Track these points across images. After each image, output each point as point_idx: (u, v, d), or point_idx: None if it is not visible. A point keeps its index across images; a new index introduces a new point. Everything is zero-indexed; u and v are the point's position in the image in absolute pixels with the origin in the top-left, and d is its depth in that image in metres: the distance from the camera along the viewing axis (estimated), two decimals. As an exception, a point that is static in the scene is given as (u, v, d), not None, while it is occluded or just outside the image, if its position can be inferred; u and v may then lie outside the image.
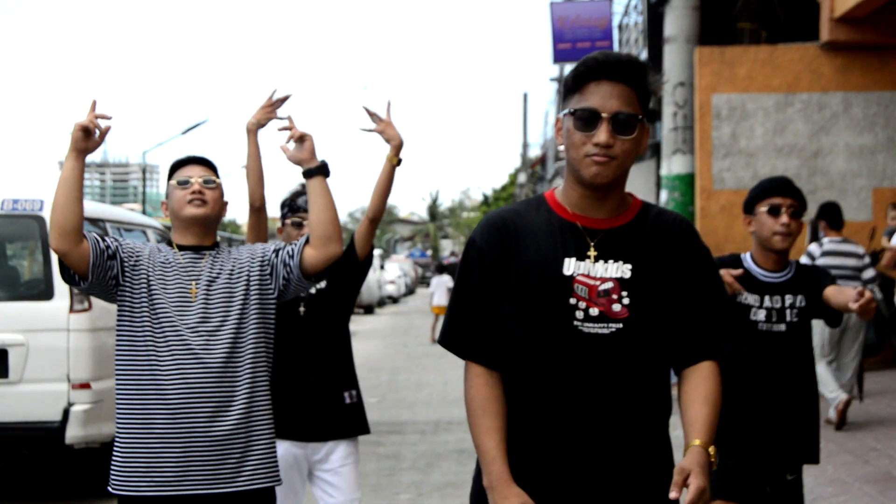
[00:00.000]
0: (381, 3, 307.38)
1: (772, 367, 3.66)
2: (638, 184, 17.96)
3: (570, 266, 2.36)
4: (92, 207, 7.48)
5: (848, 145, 11.73)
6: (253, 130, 4.13)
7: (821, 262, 8.05)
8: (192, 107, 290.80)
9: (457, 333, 2.44)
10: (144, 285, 3.32)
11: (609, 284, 2.36)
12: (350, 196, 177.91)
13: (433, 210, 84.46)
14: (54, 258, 6.53)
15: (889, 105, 11.71)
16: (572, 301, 2.34)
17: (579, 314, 2.34)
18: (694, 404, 2.41)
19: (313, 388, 4.03)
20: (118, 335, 3.36)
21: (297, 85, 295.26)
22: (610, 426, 2.35)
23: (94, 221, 7.04)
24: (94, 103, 3.31)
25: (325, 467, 4.11)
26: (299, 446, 4.08)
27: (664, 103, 12.43)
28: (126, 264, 3.32)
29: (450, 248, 78.93)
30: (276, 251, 3.41)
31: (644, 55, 15.30)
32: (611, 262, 2.38)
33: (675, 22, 12.12)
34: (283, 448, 3.97)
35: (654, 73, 2.42)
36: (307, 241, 3.34)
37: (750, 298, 3.69)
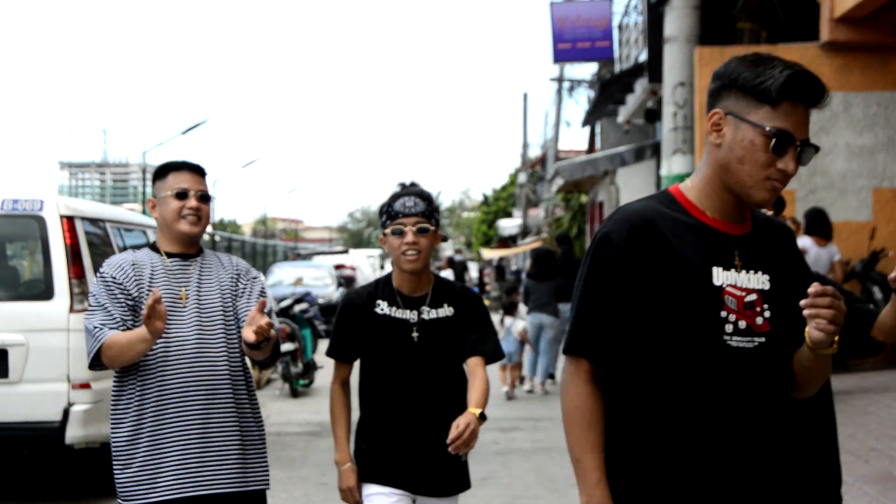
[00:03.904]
0: (381, 3, 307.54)
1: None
2: (638, 183, 17.95)
3: (719, 276, 2.22)
4: (92, 207, 7.48)
5: (848, 145, 11.72)
6: None
7: None
8: (192, 107, 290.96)
9: (582, 336, 2.26)
10: (134, 296, 3.38)
11: (753, 296, 2.23)
12: (350, 197, 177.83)
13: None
14: (54, 258, 6.56)
15: (889, 105, 11.71)
16: (723, 314, 2.21)
17: (728, 327, 2.21)
18: None
19: (433, 436, 3.47)
20: None
21: (296, 84, 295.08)
22: (758, 445, 2.22)
23: (94, 221, 7.04)
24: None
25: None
26: (408, 496, 3.57)
27: (664, 103, 12.43)
28: (133, 295, 3.37)
29: (450, 249, 78.90)
30: (245, 304, 3.46)
31: (644, 55, 15.30)
32: (751, 272, 2.25)
33: (675, 22, 12.11)
34: (394, 498, 3.53)
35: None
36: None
37: None
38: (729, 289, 2.22)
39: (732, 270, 2.24)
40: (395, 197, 3.58)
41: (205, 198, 3.45)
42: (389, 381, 3.54)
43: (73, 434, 6.38)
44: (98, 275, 3.40)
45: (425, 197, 3.56)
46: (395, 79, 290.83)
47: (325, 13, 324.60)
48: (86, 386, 6.43)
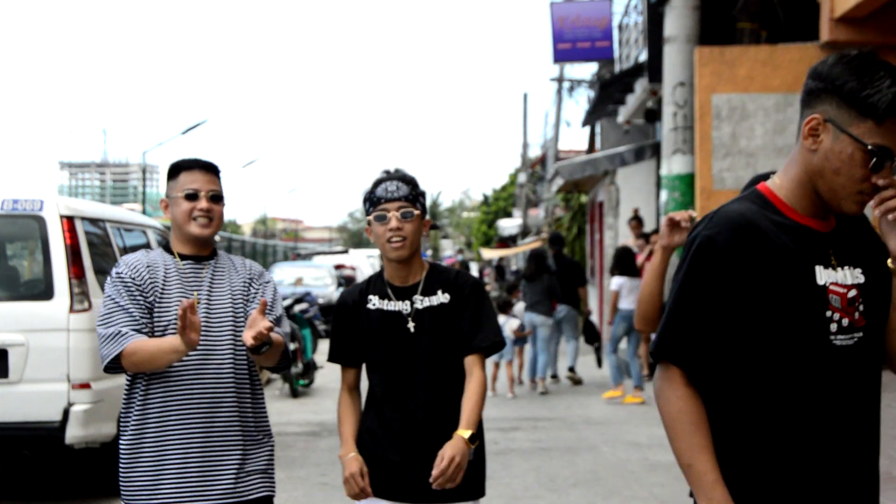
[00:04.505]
0: (381, 3, 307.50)
1: None
2: (638, 183, 17.96)
3: (822, 275, 2.19)
4: (92, 207, 7.48)
5: (848, 145, 11.71)
6: None
7: None
8: (192, 107, 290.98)
9: (675, 342, 2.19)
10: (150, 300, 3.30)
11: (854, 292, 2.21)
12: (350, 197, 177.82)
13: (433, 210, 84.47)
14: (54, 258, 6.55)
15: (889, 105, 11.69)
16: (828, 313, 2.17)
17: (833, 326, 2.18)
18: None
19: (426, 433, 3.29)
20: None
21: (296, 84, 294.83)
22: (859, 444, 2.21)
23: (94, 221, 7.04)
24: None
25: None
26: None
27: (664, 103, 12.43)
28: (149, 298, 3.29)
29: (450, 248, 78.89)
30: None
31: (644, 55, 15.30)
32: (847, 268, 2.23)
33: (675, 22, 12.11)
34: None
35: None
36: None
37: None
38: (832, 287, 2.19)
39: (830, 269, 2.21)
40: (377, 183, 3.38)
41: (216, 198, 3.34)
42: (390, 377, 3.36)
43: (73, 434, 6.38)
44: (115, 274, 3.29)
45: (409, 181, 3.36)
46: (395, 79, 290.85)
47: (326, 13, 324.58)
48: (86, 386, 6.43)
